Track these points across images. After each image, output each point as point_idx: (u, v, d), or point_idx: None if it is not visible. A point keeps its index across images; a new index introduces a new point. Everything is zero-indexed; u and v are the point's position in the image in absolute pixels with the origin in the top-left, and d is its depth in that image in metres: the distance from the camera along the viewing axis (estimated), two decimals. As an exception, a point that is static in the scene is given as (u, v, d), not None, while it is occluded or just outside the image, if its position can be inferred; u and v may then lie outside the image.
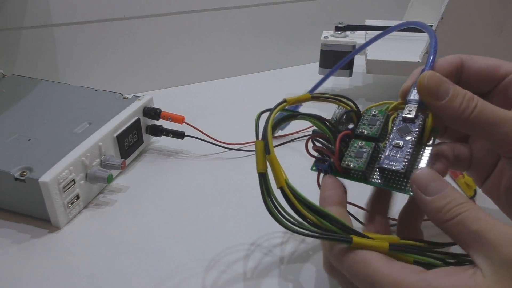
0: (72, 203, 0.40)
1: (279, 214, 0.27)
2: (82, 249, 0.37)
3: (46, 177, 0.36)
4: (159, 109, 0.49)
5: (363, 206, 0.33)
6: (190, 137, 0.50)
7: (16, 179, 0.37)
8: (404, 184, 0.28)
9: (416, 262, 0.26)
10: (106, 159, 0.43)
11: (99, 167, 0.42)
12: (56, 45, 0.60)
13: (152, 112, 0.49)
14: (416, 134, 0.29)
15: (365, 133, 0.31)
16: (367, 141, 0.30)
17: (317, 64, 0.61)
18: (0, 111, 0.47)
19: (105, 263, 0.36)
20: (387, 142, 0.29)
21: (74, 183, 0.39)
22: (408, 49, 0.55)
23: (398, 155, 0.28)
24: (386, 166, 0.28)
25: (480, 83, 0.32)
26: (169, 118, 0.49)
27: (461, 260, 0.27)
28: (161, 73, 0.68)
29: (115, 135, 0.44)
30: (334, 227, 0.26)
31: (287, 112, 0.31)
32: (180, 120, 0.49)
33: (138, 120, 0.47)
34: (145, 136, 0.50)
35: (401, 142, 0.29)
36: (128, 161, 0.47)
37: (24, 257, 0.36)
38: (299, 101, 0.31)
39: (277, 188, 0.27)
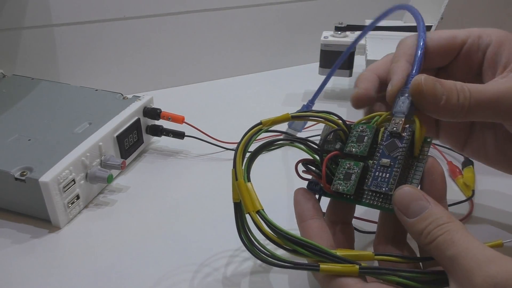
0: (72, 203, 0.40)
1: (253, 246, 0.27)
2: (82, 249, 0.37)
3: (46, 177, 0.36)
4: (159, 109, 0.49)
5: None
6: (190, 137, 0.50)
7: (16, 179, 0.37)
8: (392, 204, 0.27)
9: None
10: (106, 159, 0.43)
11: (99, 167, 0.42)
12: (56, 45, 0.60)
13: (152, 112, 0.49)
14: (402, 150, 0.27)
15: (353, 151, 0.29)
16: (356, 161, 0.29)
17: (317, 64, 0.61)
18: (0, 111, 0.47)
19: (105, 263, 0.36)
20: (375, 162, 0.28)
21: (74, 183, 0.39)
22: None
23: (386, 175, 0.27)
24: (373, 189, 0.28)
25: (442, 58, 0.31)
26: (169, 118, 0.49)
27: (438, 279, 0.25)
28: (161, 73, 0.68)
29: (115, 135, 0.44)
30: (306, 251, 0.25)
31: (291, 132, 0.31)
32: (180, 120, 0.49)
33: (138, 120, 0.47)
34: (145, 136, 0.50)
35: (388, 161, 0.27)
36: (128, 161, 0.47)
37: (24, 257, 0.36)
38: (277, 122, 0.29)
39: (245, 213, 0.27)
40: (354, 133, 0.30)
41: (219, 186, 0.45)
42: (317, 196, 0.31)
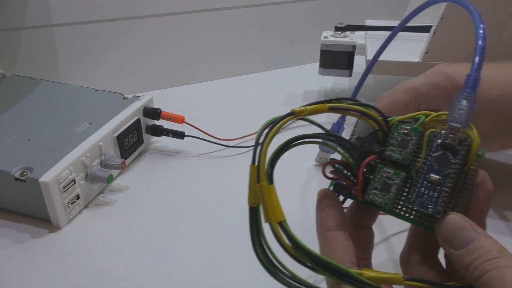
0: (72, 203, 0.40)
1: (270, 264, 0.23)
2: (82, 249, 0.37)
3: (46, 177, 0.36)
4: (159, 109, 0.49)
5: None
6: (190, 137, 0.50)
7: (17, 179, 0.37)
8: (433, 223, 0.24)
9: None
10: (106, 159, 0.43)
11: (99, 167, 0.42)
12: (56, 45, 0.60)
13: (152, 112, 0.49)
14: (455, 168, 0.23)
15: (393, 157, 0.25)
16: (396, 169, 0.25)
17: (317, 64, 0.61)
18: (0, 111, 0.47)
19: (105, 263, 0.36)
20: (420, 175, 0.24)
21: (74, 183, 0.39)
22: (408, 49, 0.55)
23: (434, 194, 0.23)
24: (417, 208, 0.24)
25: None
26: (169, 118, 0.49)
27: None
28: (161, 73, 0.68)
29: (115, 135, 0.44)
30: (331, 274, 0.22)
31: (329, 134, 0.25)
32: (180, 120, 0.49)
33: (138, 120, 0.47)
34: (145, 136, 0.50)
35: (438, 178, 0.23)
36: (128, 161, 0.47)
37: (24, 257, 0.36)
38: (312, 112, 0.24)
39: (265, 222, 0.23)
40: (396, 135, 0.25)
41: (219, 186, 0.45)
42: (341, 197, 0.27)
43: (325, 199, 0.26)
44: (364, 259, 0.28)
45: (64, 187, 0.38)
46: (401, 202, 0.25)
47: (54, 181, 0.37)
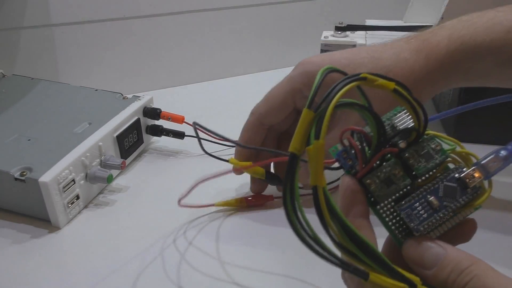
0: (72, 203, 0.39)
1: (296, 219, 0.21)
2: (82, 249, 0.37)
3: (46, 177, 0.36)
4: (159, 109, 0.49)
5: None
6: (190, 137, 0.50)
7: (16, 179, 0.37)
8: (404, 238, 0.25)
9: None
10: (106, 159, 0.43)
11: (99, 167, 0.42)
12: (56, 45, 0.60)
13: (152, 112, 0.49)
14: (456, 206, 0.24)
15: (410, 163, 0.25)
16: (405, 173, 0.25)
17: (317, 64, 0.61)
18: (0, 111, 0.47)
19: (105, 263, 0.36)
20: (422, 192, 0.24)
21: (74, 183, 0.39)
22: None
23: (424, 215, 0.24)
24: (402, 216, 0.24)
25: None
26: (169, 118, 0.49)
27: None
28: (161, 73, 0.68)
29: (115, 135, 0.44)
30: (359, 251, 0.22)
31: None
32: (180, 120, 0.49)
33: (138, 120, 0.47)
34: (145, 136, 0.50)
35: (437, 204, 0.24)
36: (128, 161, 0.47)
37: (24, 257, 0.36)
38: (381, 86, 0.23)
39: (310, 184, 0.21)
40: (425, 145, 0.25)
41: (219, 186, 0.45)
42: (340, 167, 0.26)
43: (351, 184, 0.25)
44: None
45: (63, 187, 0.38)
46: (390, 203, 0.25)
47: (53, 181, 0.37)
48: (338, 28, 0.59)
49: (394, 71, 0.36)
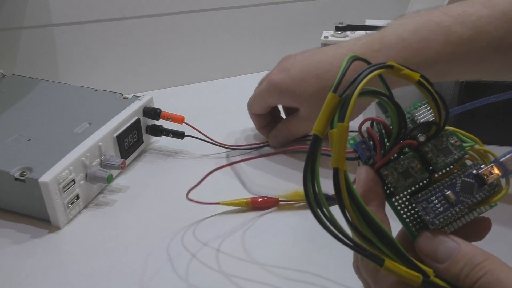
0: (72, 203, 0.39)
1: (315, 200, 0.21)
2: (82, 249, 0.37)
3: (46, 177, 0.36)
4: (159, 109, 0.49)
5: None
6: (190, 137, 0.50)
7: (16, 179, 0.37)
8: (418, 231, 0.25)
9: None
10: (106, 159, 0.43)
11: (99, 167, 0.42)
12: (56, 45, 0.60)
13: (152, 112, 0.49)
14: (472, 202, 0.24)
15: (429, 157, 0.25)
16: (423, 167, 0.25)
17: (317, 64, 0.61)
18: (0, 111, 0.47)
19: (105, 263, 0.36)
20: (440, 185, 0.25)
21: (74, 183, 0.39)
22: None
23: (440, 208, 0.24)
24: (417, 208, 0.24)
25: None
26: (169, 118, 0.49)
27: None
28: (161, 73, 0.68)
29: (115, 135, 0.44)
30: (375, 238, 0.22)
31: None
32: (180, 120, 0.49)
33: (138, 120, 0.47)
34: (145, 136, 0.50)
35: (454, 199, 0.24)
36: (128, 161, 0.47)
37: (24, 257, 0.36)
38: (406, 77, 0.23)
39: (332, 166, 0.21)
40: (444, 140, 0.25)
41: (219, 186, 0.45)
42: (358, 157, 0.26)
43: (369, 174, 0.25)
44: None
45: (63, 187, 0.38)
46: (406, 196, 0.25)
47: (53, 181, 0.37)
48: (338, 28, 0.59)
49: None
